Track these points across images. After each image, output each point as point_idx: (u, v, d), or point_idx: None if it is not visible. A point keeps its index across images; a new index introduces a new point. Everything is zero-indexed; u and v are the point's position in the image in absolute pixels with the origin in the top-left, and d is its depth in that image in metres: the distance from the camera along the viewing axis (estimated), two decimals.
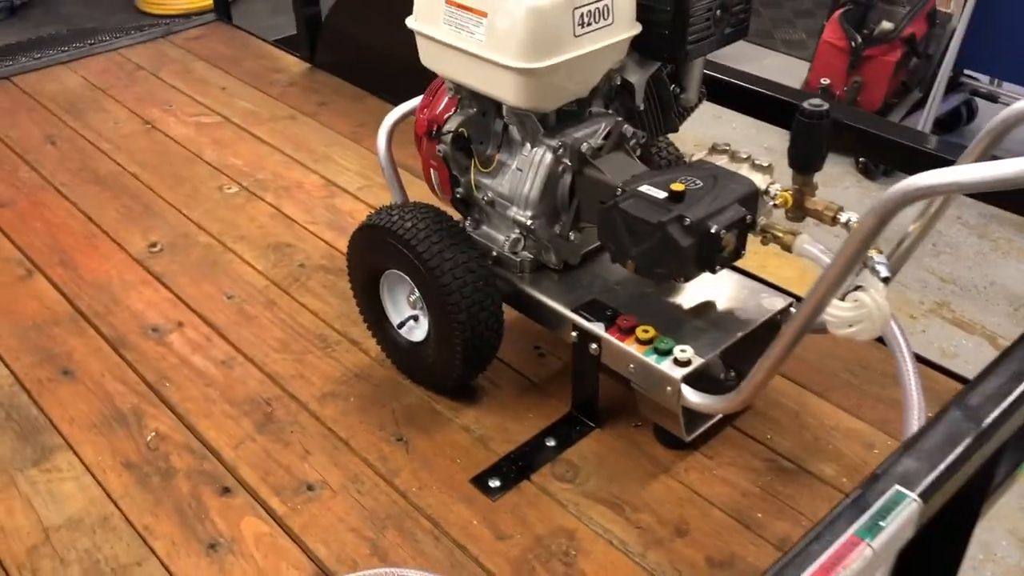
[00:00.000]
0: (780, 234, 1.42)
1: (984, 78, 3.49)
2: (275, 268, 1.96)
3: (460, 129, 1.52)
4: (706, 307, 1.53)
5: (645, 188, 1.38)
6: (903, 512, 0.90)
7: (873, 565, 0.88)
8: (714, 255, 1.35)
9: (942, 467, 0.95)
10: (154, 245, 2.04)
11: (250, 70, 2.84)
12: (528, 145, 1.50)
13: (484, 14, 1.37)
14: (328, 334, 1.78)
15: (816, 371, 1.67)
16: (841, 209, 1.38)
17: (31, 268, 1.97)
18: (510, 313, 1.60)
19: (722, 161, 1.48)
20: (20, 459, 1.51)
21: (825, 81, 3.38)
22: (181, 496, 1.45)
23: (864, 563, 0.87)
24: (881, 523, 0.89)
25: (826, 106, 1.34)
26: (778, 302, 1.53)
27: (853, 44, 3.34)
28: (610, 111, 1.56)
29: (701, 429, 1.50)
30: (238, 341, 1.76)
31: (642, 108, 1.56)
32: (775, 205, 1.39)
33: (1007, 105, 1.31)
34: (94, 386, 1.66)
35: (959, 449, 0.96)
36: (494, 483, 1.46)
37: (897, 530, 0.90)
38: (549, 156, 1.47)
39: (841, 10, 3.45)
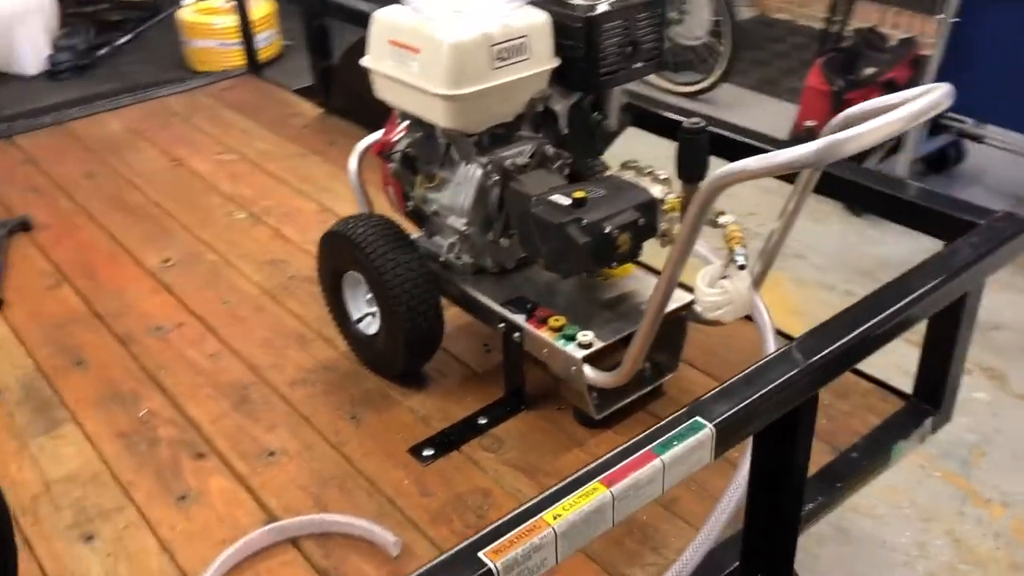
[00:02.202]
0: (674, 236, 1.63)
1: (969, 119, 3.64)
2: (268, 280, 2.23)
3: (408, 150, 1.78)
4: (618, 301, 1.75)
5: (554, 196, 1.61)
6: (697, 436, 1.11)
7: (663, 474, 1.08)
8: (610, 253, 1.57)
9: (740, 404, 1.15)
10: (167, 261, 2.33)
11: (271, 115, 3.16)
12: (463, 163, 1.74)
13: (417, 50, 1.64)
14: (305, 333, 2.03)
15: (724, 362, 1.86)
16: (721, 213, 1.58)
17: (60, 279, 2.27)
18: (463, 315, 1.84)
19: (629, 175, 1.71)
20: (33, 429, 1.79)
21: (811, 123, 3.58)
22: (162, 459, 1.70)
23: (653, 472, 1.07)
24: (675, 443, 1.10)
25: (703, 123, 1.57)
26: (682, 298, 1.73)
27: (835, 88, 3.54)
28: (539, 135, 1.80)
29: (611, 410, 1.70)
30: (228, 338, 2.03)
31: (566, 133, 1.80)
32: (663, 211, 1.61)
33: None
34: (101, 373, 1.93)
35: (749, 395, 1.17)
36: (427, 452, 1.68)
37: (689, 450, 1.10)
38: (480, 172, 1.72)
39: (825, 56, 3.66)
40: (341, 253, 1.80)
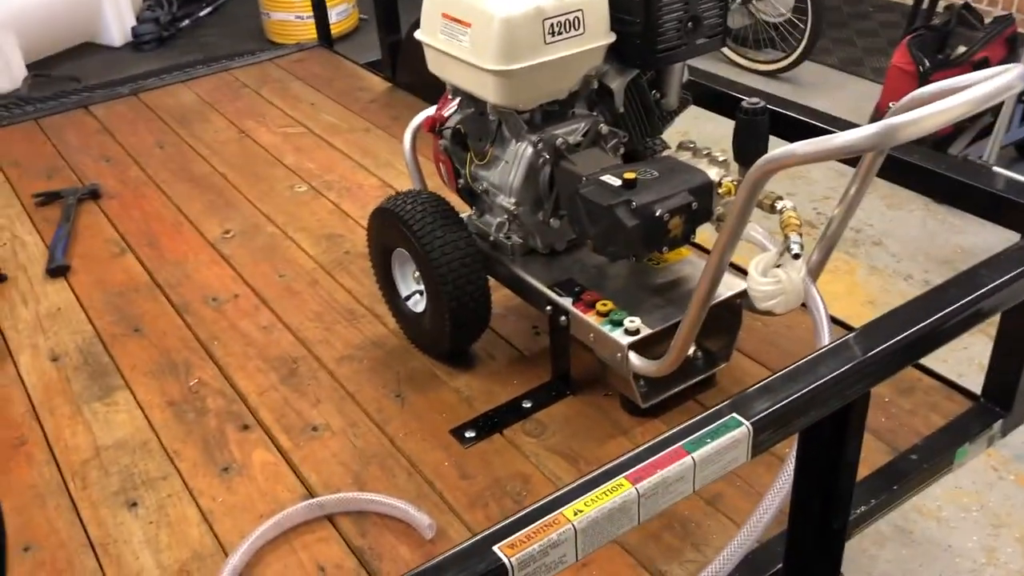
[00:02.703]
0: None
1: None
2: (324, 254, 2.24)
3: (458, 126, 1.75)
4: (669, 287, 1.69)
5: (605, 177, 1.56)
6: (732, 434, 1.06)
7: (693, 473, 1.03)
8: (661, 237, 1.51)
9: (782, 402, 1.09)
10: (228, 232, 2.35)
11: (339, 88, 3.17)
12: (514, 140, 1.70)
13: (469, 24, 1.60)
14: (356, 309, 2.03)
15: (783, 353, 1.79)
16: (779, 198, 1.51)
17: (124, 248, 2.32)
18: (514, 296, 1.81)
19: (685, 156, 1.65)
20: (88, 394, 1.82)
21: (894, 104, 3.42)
22: (208, 430, 1.72)
23: (683, 469, 1.02)
24: (708, 440, 1.05)
25: (762, 103, 1.50)
26: (737, 285, 1.67)
27: (921, 68, 3.37)
28: (594, 113, 1.75)
29: (658, 399, 1.65)
30: (280, 311, 2.04)
31: (622, 111, 1.74)
32: (718, 194, 1.55)
33: None
34: (156, 341, 1.96)
35: (793, 392, 1.10)
36: (470, 434, 1.66)
37: (723, 449, 1.05)
38: (530, 150, 1.67)
39: (911, 35, 3.49)
40: (390, 230, 1.78)
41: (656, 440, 1.04)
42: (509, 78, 1.58)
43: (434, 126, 1.79)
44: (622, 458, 1.02)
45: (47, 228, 2.40)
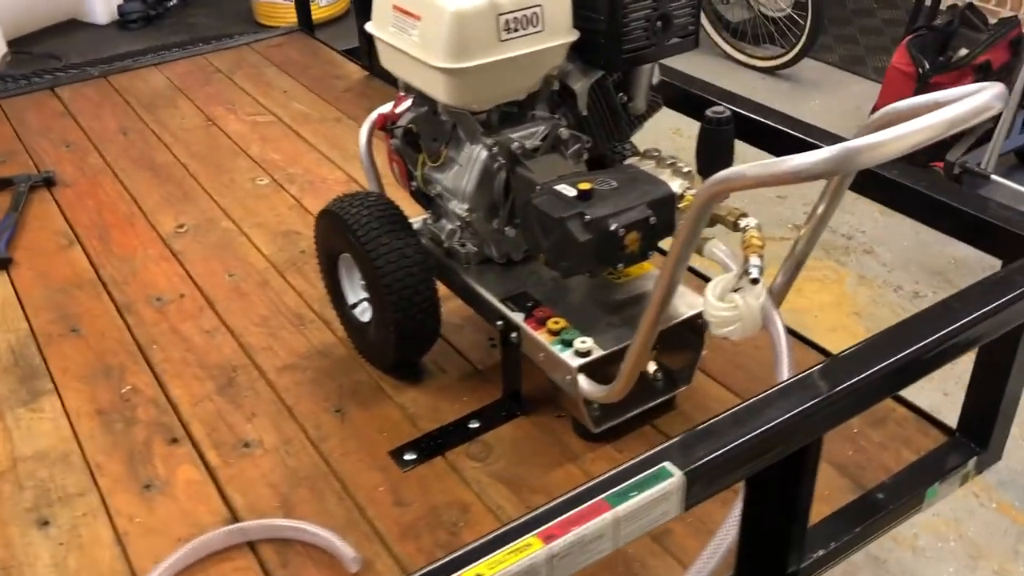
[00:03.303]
0: None
1: None
2: (279, 252, 2.13)
3: (410, 125, 1.64)
4: (629, 304, 1.58)
5: (560, 186, 1.45)
6: (662, 485, 0.95)
7: (614, 530, 0.93)
8: (616, 253, 1.40)
9: (720, 450, 0.99)
10: (181, 226, 2.25)
11: (314, 76, 3.05)
12: (468, 142, 1.59)
13: (419, 18, 1.49)
14: (305, 314, 1.92)
15: (749, 377, 1.68)
16: (743, 215, 1.40)
17: (73, 240, 2.21)
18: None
19: (648, 166, 1.54)
20: (14, 399, 1.72)
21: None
22: (135, 442, 1.61)
23: (602, 526, 0.92)
24: (634, 493, 0.94)
25: (727, 112, 1.39)
26: (699, 304, 1.56)
27: (920, 71, 3.25)
28: (555, 116, 1.63)
29: (611, 423, 1.55)
30: (225, 314, 1.93)
31: (586, 114, 1.63)
32: (679, 208, 1.44)
33: None
34: (93, 343, 1.86)
35: (736, 438, 1.00)
36: (409, 456, 1.56)
37: (650, 502, 0.95)
38: (484, 153, 1.56)
39: (912, 35, 3.36)
40: (335, 234, 1.67)
41: (575, 491, 0.94)
42: (460, 77, 1.47)
43: (385, 124, 1.68)
44: (533, 512, 0.92)
45: None
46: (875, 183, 1.50)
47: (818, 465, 1.11)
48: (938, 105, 1.03)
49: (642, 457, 0.97)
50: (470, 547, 0.88)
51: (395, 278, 1.57)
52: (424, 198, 1.74)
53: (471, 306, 1.69)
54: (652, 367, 1.65)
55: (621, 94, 1.66)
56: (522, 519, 0.91)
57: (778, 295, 1.44)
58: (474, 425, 1.61)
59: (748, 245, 1.33)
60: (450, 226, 1.62)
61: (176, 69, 3.16)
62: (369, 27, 1.62)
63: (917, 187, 1.51)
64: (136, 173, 2.50)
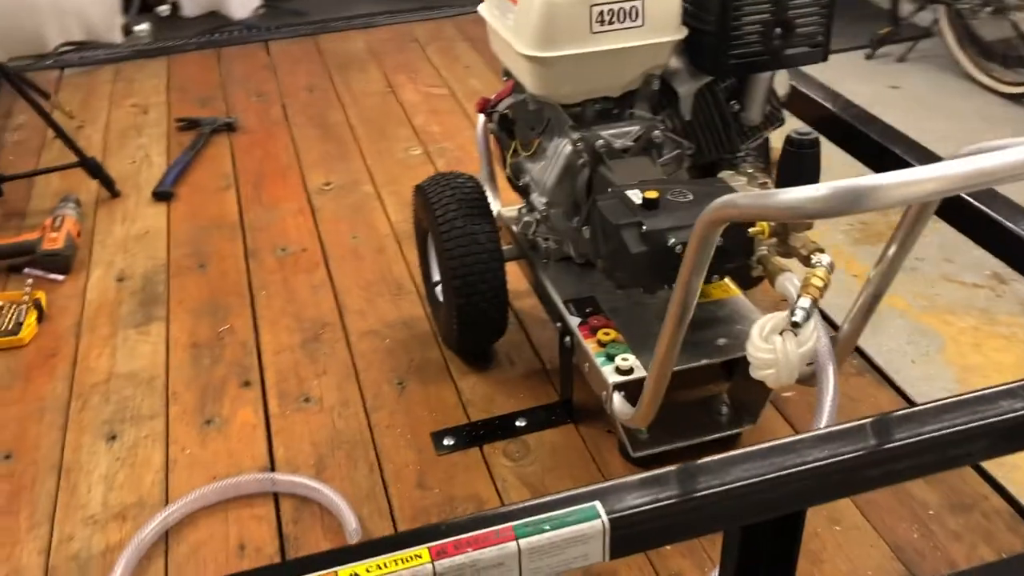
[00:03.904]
0: (769, 266, 1.33)
1: None
2: (404, 222, 2.17)
3: (506, 111, 1.61)
4: (699, 327, 1.47)
5: (631, 191, 1.38)
6: (581, 527, 0.88)
7: (518, 561, 0.87)
8: (671, 269, 1.31)
9: (661, 502, 0.90)
10: (327, 184, 2.35)
11: None
12: (557, 135, 1.54)
13: (515, 2, 1.45)
14: (406, 284, 1.95)
15: None
16: (819, 250, 1.26)
17: (231, 184, 2.38)
18: None
19: (739, 182, 1.42)
20: (130, 320, 1.88)
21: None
22: (214, 379, 1.72)
23: (502, 555, 0.86)
24: (547, 527, 0.88)
25: (813, 135, 1.25)
26: None
27: None
28: (659, 117, 1.54)
29: (652, 451, 1.45)
30: (336, 273, 2.00)
31: (689, 119, 1.53)
32: (754, 232, 1.31)
33: None
34: (213, 281, 1.99)
35: (691, 491, 0.91)
36: (448, 441, 1.55)
37: (564, 540, 0.88)
38: (569, 147, 1.50)
39: None
40: (423, 209, 1.68)
41: (487, 513, 0.89)
42: (545, 66, 1.42)
43: (485, 107, 1.66)
44: (437, 524, 0.88)
45: (177, 153, 2.51)
46: (966, 214, 1.30)
47: (798, 546, 0.98)
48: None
49: (572, 492, 0.90)
50: (361, 544, 0.86)
51: (462, 262, 1.56)
52: (521, 187, 1.70)
53: (542, 302, 1.64)
54: (723, 402, 1.55)
55: (734, 102, 1.54)
56: (421, 529, 0.87)
57: (844, 344, 1.28)
58: (520, 423, 1.57)
59: (806, 284, 1.19)
60: (528, 218, 1.58)
61: (379, 35, 3.30)
62: (480, 8, 1.60)
63: (1017, 227, 1.28)
64: (307, 129, 2.64)
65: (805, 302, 1.16)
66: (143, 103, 2.84)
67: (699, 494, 0.91)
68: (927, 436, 0.93)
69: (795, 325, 1.14)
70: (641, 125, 1.51)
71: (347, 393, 1.66)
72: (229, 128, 2.64)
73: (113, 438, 1.59)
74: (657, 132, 1.50)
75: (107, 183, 2.32)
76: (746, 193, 0.88)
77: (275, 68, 3.04)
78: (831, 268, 1.22)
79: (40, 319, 1.87)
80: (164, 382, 1.71)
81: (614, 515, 0.88)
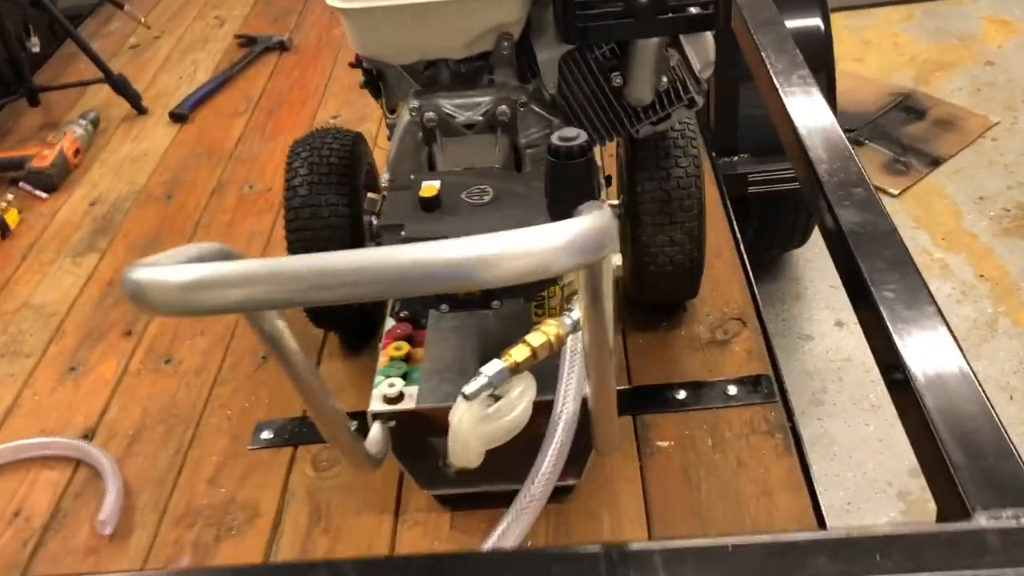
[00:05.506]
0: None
1: None
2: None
3: (369, 66, 1.37)
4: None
5: (427, 182, 1.13)
6: None
7: None
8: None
9: None
10: (335, 117, 2.22)
11: None
12: (403, 100, 1.29)
13: None
14: None
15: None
16: (574, 294, 0.96)
17: (248, 109, 2.30)
18: None
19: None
20: (73, 249, 1.88)
21: None
22: (103, 323, 1.67)
23: None
24: None
25: (583, 138, 0.94)
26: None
27: None
28: (530, 87, 1.24)
29: (446, 491, 1.22)
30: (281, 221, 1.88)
31: (552, 92, 1.22)
32: None
33: None
34: (168, 214, 1.95)
35: None
36: (266, 435, 1.39)
37: None
38: (406, 117, 1.26)
39: None
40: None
41: None
42: (352, 19, 1.19)
43: (358, 60, 1.43)
44: None
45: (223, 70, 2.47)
46: None
47: None
48: None
49: None
50: None
51: (299, 236, 1.37)
52: None
53: None
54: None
55: (616, 74, 1.21)
56: None
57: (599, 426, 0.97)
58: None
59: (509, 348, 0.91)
60: (373, 195, 1.36)
61: None
62: None
63: None
64: (351, 56, 2.49)
65: (492, 367, 0.88)
66: (225, 15, 2.82)
67: None
68: None
69: (464, 396, 0.88)
70: (497, 96, 1.23)
71: (209, 360, 1.56)
72: (282, 47, 2.55)
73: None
74: (504, 107, 1.21)
75: (133, 100, 2.32)
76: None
77: None
78: (574, 326, 0.92)
79: (4, 235, 1.92)
80: (61, 320, 1.69)
81: None
